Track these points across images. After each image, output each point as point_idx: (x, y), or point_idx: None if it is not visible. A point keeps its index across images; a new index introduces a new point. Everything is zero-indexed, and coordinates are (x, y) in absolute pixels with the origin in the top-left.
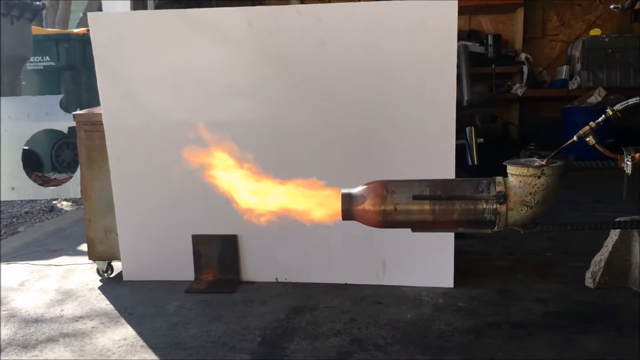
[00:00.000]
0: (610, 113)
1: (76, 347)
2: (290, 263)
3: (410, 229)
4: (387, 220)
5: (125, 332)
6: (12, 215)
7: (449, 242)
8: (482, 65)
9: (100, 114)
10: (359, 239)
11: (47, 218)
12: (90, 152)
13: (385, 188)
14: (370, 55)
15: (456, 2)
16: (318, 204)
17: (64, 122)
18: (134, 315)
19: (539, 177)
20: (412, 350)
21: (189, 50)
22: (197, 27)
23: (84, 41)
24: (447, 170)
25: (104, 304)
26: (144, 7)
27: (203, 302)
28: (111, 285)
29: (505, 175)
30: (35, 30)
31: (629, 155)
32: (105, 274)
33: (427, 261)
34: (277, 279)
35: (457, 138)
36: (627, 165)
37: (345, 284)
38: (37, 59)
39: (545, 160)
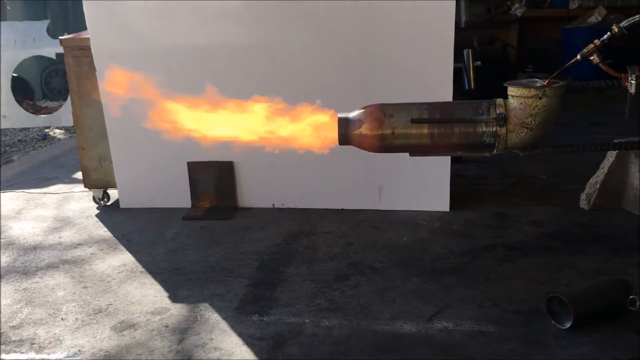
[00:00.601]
0: (616, 30)
1: (76, 273)
2: (287, 189)
3: (407, 154)
4: (384, 145)
5: (124, 258)
6: (6, 144)
7: (445, 166)
8: None
9: (87, 38)
10: (356, 164)
11: (40, 146)
12: (79, 78)
13: (382, 112)
14: None
15: None
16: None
17: (51, 49)
18: (132, 242)
19: (540, 98)
20: (408, 273)
21: None
22: None
23: None
24: (444, 93)
25: (102, 231)
26: None
27: (201, 228)
28: (108, 212)
29: (505, 97)
30: None
31: (634, 74)
32: (102, 202)
33: (423, 185)
34: (274, 205)
35: (454, 61)
36: (631, 85)
37: (342, 209)
38: None
39: (546, 81)
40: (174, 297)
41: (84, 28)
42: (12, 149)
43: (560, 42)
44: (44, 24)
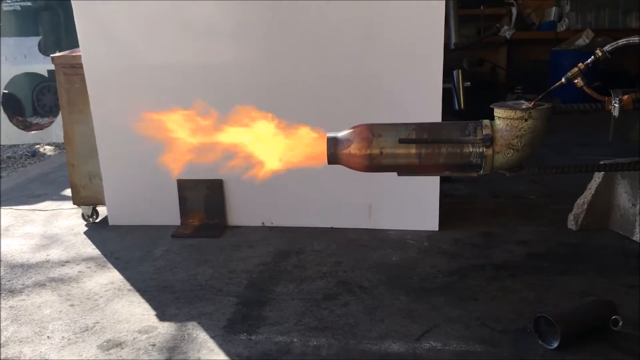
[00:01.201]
0: (600, 54)
1: (63, 291)
2: (277, 207)
3: (396, 173)
4: (373, 164)
5: (112, 276)
6: None
7: (434, 185)
8: (471, 7)
9: (79, 56)
10: (345, 183)
11: (29, 163)
12: (70, 95)
13: (371, 131)
14: None
15: None
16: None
17: (43, 65)
18: (121, 259)
19: (526, 120)
20: (397, 292)
21: None
22: None
23: None
24: (433, 114)
25: (90, 248)
26: None
27: (190, 246)
28: (97, 230)
29: (492, 118)
30: None
31: (617, 97)
32: (91, 219)
33: (412, 205)
34: (263, 223)
35: (443, 81)
36: (615, 108)
37: (332, 227)
38: None
39: (532, 103)
40: (162, 316)
41: (76, 45)
42: (1, 165)
43: (548, 63)
44: (35, 41)
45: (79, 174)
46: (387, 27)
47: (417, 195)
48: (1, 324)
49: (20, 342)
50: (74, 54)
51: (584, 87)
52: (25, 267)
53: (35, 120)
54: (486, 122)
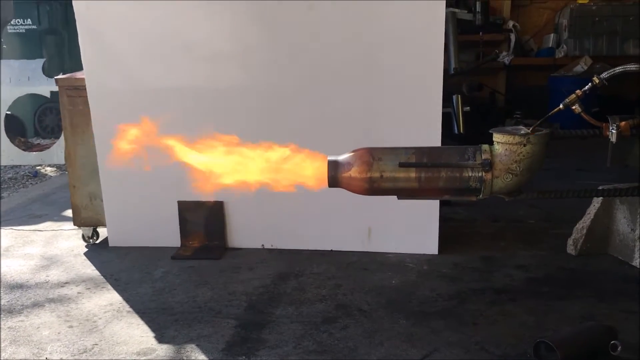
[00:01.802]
0: (597, 81)
1: (62, 312)
2: (277, 230)
3: (396, 196)
4: (373, 188)
5: (111, 298)
6: None
7: (434, 209)
8: (470, 33)
9: (82, 79)
10: (345, 206)
11: (31, 184)
12: (73, 117)
13: (371, 155)
14: (358, 22)
15: None
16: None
17: (46, 87)
18: (120, 281)
19: (524, 145)
20: (396, 316)
21: (174, 14)
22: None
23: (66, 4)
24: (433, 138)
25: (90, 269)
26: None
27: (189, 268)
28: (97, 251)
29: (491, 143)
30: None
31: (614, 123)
32: (91, 240)
33: (412, 228)
34: (263, 245)
35: (443, 106)
36: (612, 134)
37: (331, 250)
38: (19, 22)
39: (531, 129)
40: (161, 338)
41: (80, 68)
42: (2, 186)
43: (547, 89)
44: (39, 63)
45: (80, 195)
46: (388, 53)
47: (417, 218)
48: (0, 345)
49: None
50: (77, 77)
51: (582, 114)
52: (25, 288)
53: (37, 141)
54: (485, 146)
